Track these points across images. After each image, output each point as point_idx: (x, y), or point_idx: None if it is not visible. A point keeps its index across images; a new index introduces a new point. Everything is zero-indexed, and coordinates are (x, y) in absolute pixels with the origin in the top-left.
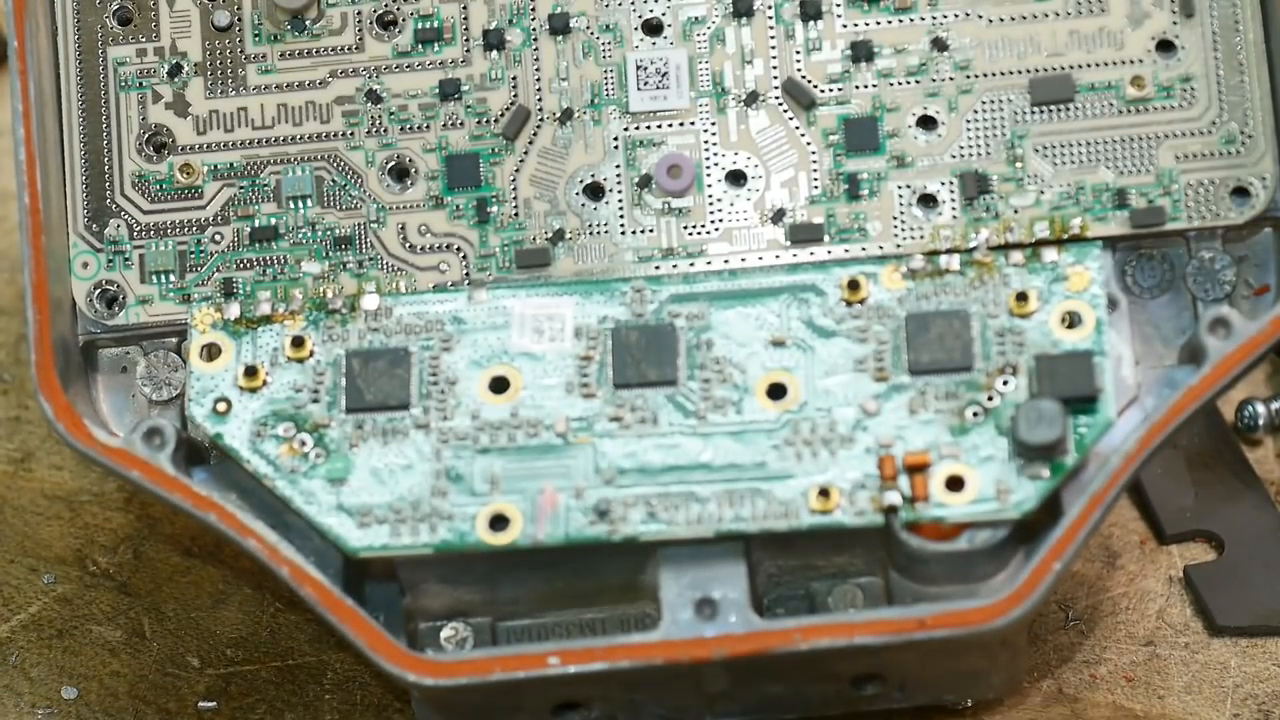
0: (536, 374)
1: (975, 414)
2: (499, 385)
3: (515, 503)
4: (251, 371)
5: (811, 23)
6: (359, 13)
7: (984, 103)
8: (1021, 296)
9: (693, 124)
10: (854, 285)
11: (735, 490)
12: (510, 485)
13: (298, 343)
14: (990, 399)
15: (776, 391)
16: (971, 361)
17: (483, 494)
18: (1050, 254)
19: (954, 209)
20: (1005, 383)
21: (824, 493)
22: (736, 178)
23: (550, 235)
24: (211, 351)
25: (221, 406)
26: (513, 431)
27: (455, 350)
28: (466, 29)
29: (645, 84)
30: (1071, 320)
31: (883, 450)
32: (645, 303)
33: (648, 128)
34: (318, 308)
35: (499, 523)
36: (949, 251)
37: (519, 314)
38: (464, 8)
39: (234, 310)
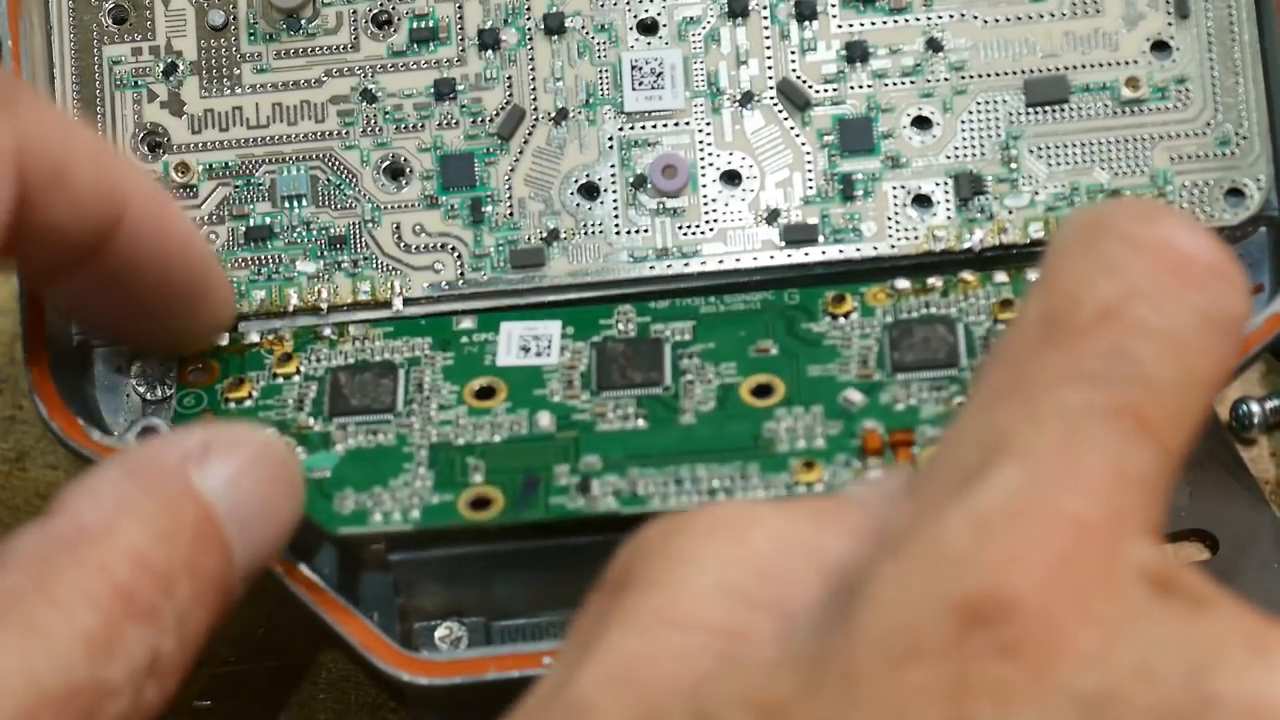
0: (522, 382)
1: (960, 404)
2: (485, 393)
3: (497, 487)
4: (238, 383)
5: (806, 23)
6: (354, 12)
7: (979, 103)
8: (1005, 304)
9: (687, 124)
10: (839, 300)
11: (720, 470)
12: (493, 475)
13: (285, 360)
14: None
15: (762, 391)
16: (956, 360)
17: (464, 481)
18: (1034, 275)
19: (948, 210)
20: None
21: (808, 465)
22: (731, 178)
23: (545, 235)
24: (199, 374)
25: (208, 416)
26: (497, 427)
27: (440, 365)
28: (462, 29)
29: (640, 84)
30: None
31: (868, 430)
32: (629, 326)
33: (643, 128)
34: (306, 334)
35: (480, 504)
36: (943, 254)
37: (506, 333)
38: (459, 7)
39: (222, 340)
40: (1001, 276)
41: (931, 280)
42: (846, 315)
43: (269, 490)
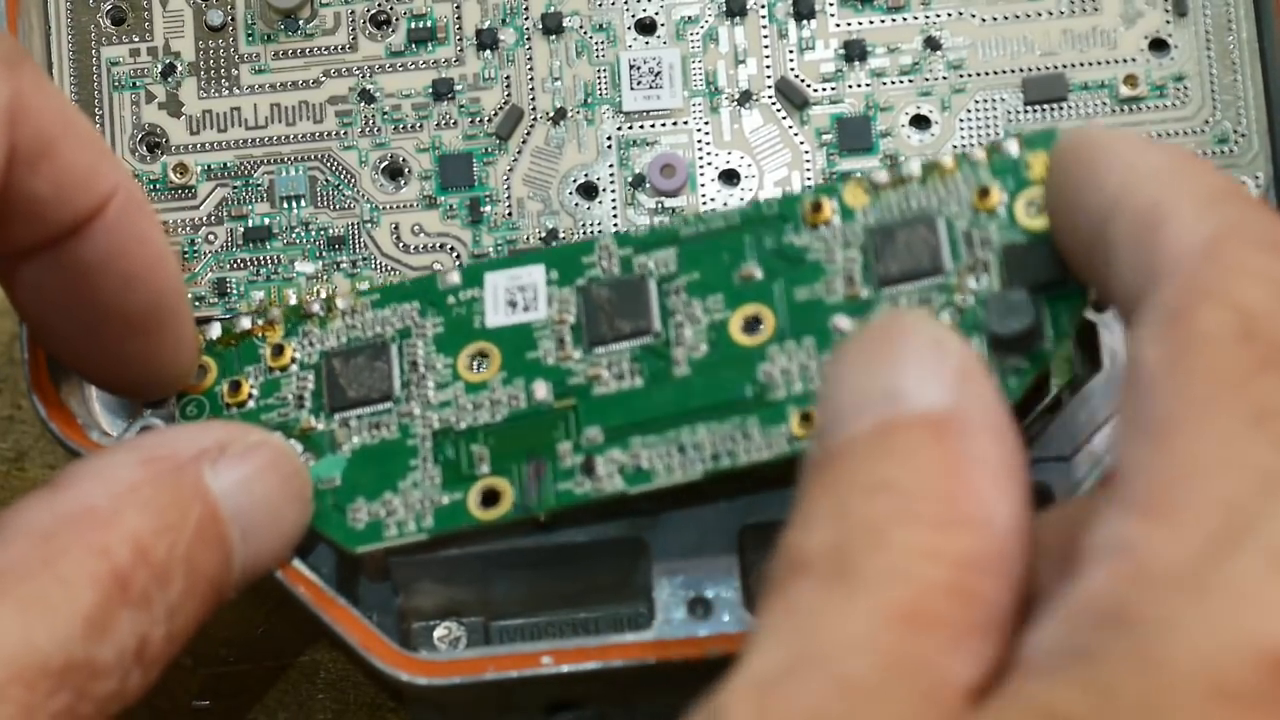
0: (514, 345)
1: (951, 317)
2: (478, 362)
3: (504, 477)
4: (236, 387)
5: (804, 22)
6: (352, 12)
7: (977, 102)
8: (984, 192)
9: (686, 123)
10: (816, 207)
11: (721, 430)
12: (498, 462)
13: (278, 352)
14: (964, 300)
15: (751, 325)
16: (941, 264)
17: (470, 475)
18: (1012, 146)
19: None
20: (977, 280)
21: (806, 418)
22: (730, 177)
23: (544, 235)
24: (196, 375)
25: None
26: (495, 406)
27: (431, 334)
28: (460, 28)
29: (638, 83)
30: (1037, 207)
31: None
32: (613, 259)
33: (641, 127)
34: (295, 314)
35: (490, 499)
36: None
37: (491, 285)
38: (457, 7)
39: (215, 331)
40: (979, 155)
41: (909, 170)
42: (827, 224)
43: (278, 499)
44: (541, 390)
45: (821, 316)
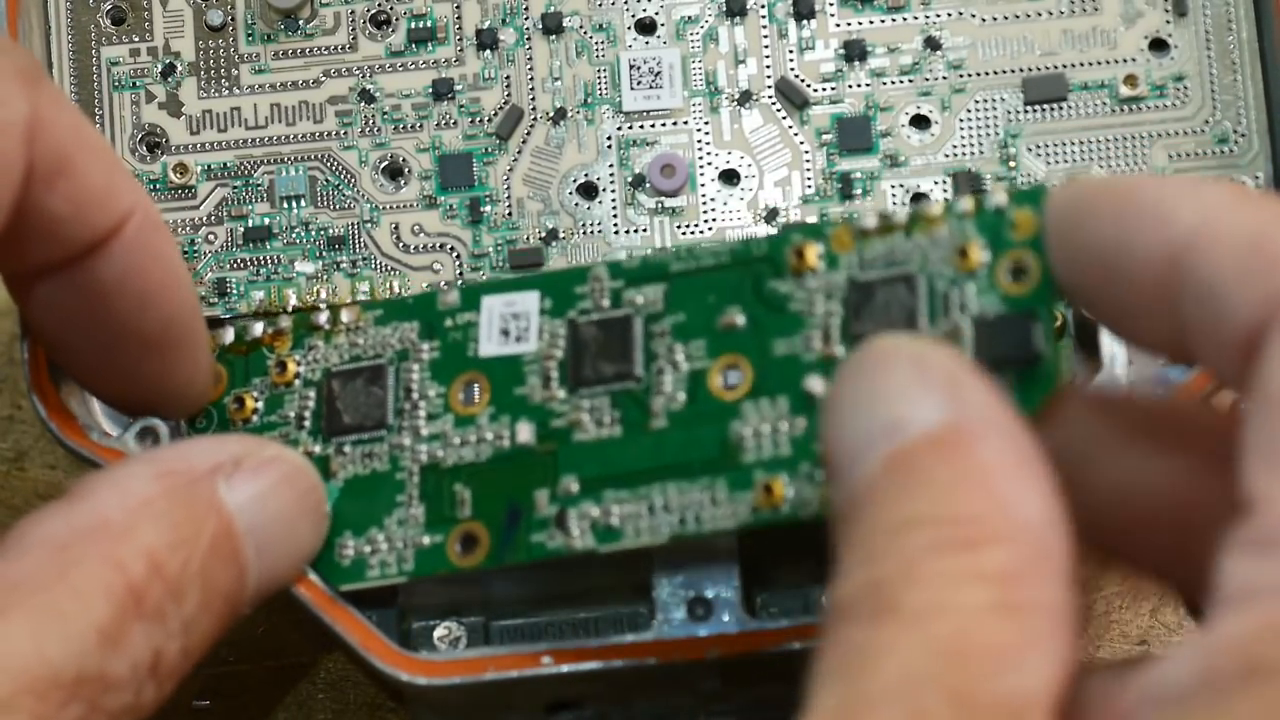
0: (504, 379)
1: None
2: (469, 394)
3: (483, 522)
4: (240, 403)
5: (804, 22)
6: (352, 12)
7: (977, 102)
8: (963, 252)
9: (686, 123)
10: (800, 254)
11: (690, 493)
12: (479, 505)
13: (281, 368)
14: None
15: (729, 377)
16: (915, 324)
17: (451, 516)
18: (1000, 198)
19: None
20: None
21: (768, 489)
22: (730, 177)
23: (544, 235)
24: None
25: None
26: (480, 445)
27: (427, 360)
28: (460, 28)
29: (638, 83)
30: (1017, 272)
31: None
32: (603, 295)
33: (641, 127)
34: (304, 323)
35: (468, 544)
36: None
37: (487, 311)
38: (457, 7)
39: (228, 336)
40: (967, 206)
41: (896, 219)
42: (813, 271)
43: (293, 514)
44: (525, 433)
45: (796, 376)
